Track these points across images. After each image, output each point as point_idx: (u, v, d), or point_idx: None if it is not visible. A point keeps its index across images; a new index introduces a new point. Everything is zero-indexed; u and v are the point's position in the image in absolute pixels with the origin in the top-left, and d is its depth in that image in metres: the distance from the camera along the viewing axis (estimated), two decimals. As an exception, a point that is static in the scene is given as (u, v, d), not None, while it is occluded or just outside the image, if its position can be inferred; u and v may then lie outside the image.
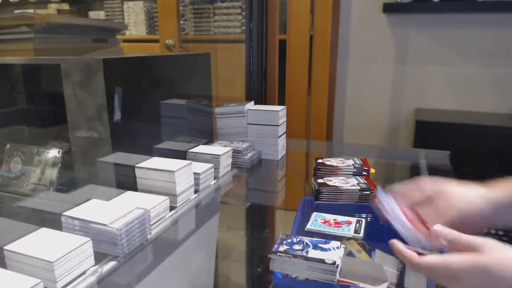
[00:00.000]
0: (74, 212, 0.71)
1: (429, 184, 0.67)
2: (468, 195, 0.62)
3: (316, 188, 0.95)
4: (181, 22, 2.57)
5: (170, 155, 1.03)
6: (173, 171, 0.87)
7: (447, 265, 0.50)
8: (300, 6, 2.27)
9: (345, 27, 2.34)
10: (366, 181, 0.98)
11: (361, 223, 0.83)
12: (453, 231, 0.54)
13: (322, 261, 0.63)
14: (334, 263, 0.63)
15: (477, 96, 2.17)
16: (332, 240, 0.71)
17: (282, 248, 0.67)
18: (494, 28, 2.07)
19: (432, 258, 0.52)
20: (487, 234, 0.59)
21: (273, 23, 1.60)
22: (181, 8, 2.55)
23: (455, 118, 2.08)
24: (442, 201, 0.63)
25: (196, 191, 0.97)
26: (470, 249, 0.51)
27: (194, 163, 0.96)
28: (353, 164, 1.06)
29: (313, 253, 0.65)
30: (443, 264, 0.50)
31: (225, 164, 1.12)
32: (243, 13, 2.48)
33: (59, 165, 1.00)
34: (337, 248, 0.68)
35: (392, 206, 0.66)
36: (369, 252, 0.81)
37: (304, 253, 0.65)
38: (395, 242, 0.57)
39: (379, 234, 0.90)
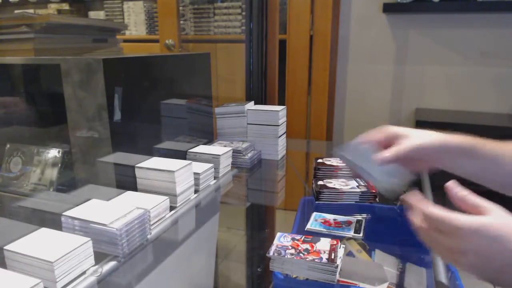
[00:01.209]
0: (74, 212, 0.71)
1: (388, 129, 0.70)
2: (422, 131, 0.67)
3: (316, 190, 0.95)
4: (181, 22, 2.57)
5: (170, 155, 1.03)
6: (173, 171, 0.87)
7: (455, 220, 0.48)
8: (300, 6, 2.27)
9: (345, 27, 2.34)
10: (366, 183, 0.97)
11: (361, 223, 0.83)
12: (464, 189, 0.53)
13: (322, 260, 0.63)
14: (334, 261, 0.63)
15: (477, 96, 2.17)
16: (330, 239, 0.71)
17: (281, 248, 0.67)
18: (494, 28, 2.06)
19: (443, 212, 0.50)
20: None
21: (273, 23, 1.60)
22: (181, 8, 2.55)
23: (455, 118, 2.08)
24: (399, 138, 0.67)
25: (196, 191, 0.97)
26: (477, 210, 0.49)
27: (194, 163, 0.96)
28: (353, 164, 1.06)
29: (313, 253, 0.65)
30: (452, 218, 0.48)
31: (225, 164, 1.12)
32: (243, 13, 2.48)
33: (59, 165, 1.00)
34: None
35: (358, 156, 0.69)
36: (369, 252, 0.81)
37: (304, 253, 0.65)
38: (415, 193, 0.56)
39: (379, 234, 0.90)
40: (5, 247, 0.62)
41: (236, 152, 1.19)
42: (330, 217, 0.86)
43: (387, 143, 0.68)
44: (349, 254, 0.78)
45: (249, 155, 1.21)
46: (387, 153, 0.65)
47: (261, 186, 1.23)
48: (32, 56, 1.06)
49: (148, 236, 0.75)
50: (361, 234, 0.79)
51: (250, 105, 1.32)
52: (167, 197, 0.84)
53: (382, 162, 0.65)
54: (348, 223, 0.83)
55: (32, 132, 1.22)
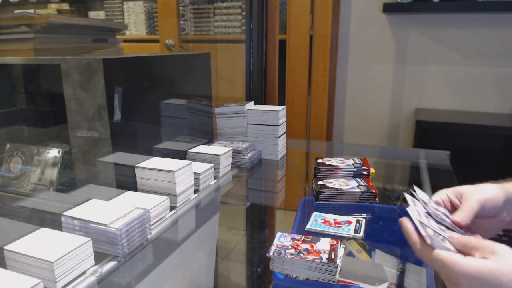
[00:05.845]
0: (74, 212, 0.71)
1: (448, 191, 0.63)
2: (483, 186, 0.61)
3: (316, 190, 0.95)
4: (181, 22, 2.57)
5: (170, 155, 1.03)
6: (173, 171, 0.87)
7: (451, 264, 0.46)
8: (300, 6, 2.27)
9: (345, 27, 2.34)
10: (366, 184, 0.97)
11: (361, 223, 0.83)
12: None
13: (322, 260, 0.63)
14: (333, 261, 0.63)
15: (477, 96, 2.17)
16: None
17: (281, 248, 0.67)
18: (494, 28, 2.06)
19: (437, 252, 0.48)
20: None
21: (273, 23, 1.60)
22: (181, 8, 2.55)
23: (455, 118, 2.08)
24: (462, 198, 0.61)
25: (196, 191, 0.97)
26: (481, 251, 0.47)
27: (194, 163, 0.96)
28: (353, 164, 1.06)
29: (313, 253, 0.65)
30: (447, 261, 0.47)
31: (225, 164, 1.12)
32: (243, 13, 2.48)
33: (59, 165, 1.00)
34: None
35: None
36: (369, 252, 0.81)
37: (304, 253, 0.65)
38: (404, 221, 0.55)
39: (379, 234, 0.90)
40: (5, 247, 0.62)
41: (236, 152, 1.19)
42: (330, 217, 0.86)
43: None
44: (349, 254, 0.78)
45: (249, 155, 1.21)
46: (459, 216, 0.57)
47: (261, 186, 1.23)
48: (32, 56, 1.06)
49: (148, 236, 0.75)
50: (361, 234, 0.79)
51: (250, 105, 1.32)
52: (167, 197, 0.84)
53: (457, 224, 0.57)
54: (348, 223, 0.83)
55: (32, 132, 1.22)
